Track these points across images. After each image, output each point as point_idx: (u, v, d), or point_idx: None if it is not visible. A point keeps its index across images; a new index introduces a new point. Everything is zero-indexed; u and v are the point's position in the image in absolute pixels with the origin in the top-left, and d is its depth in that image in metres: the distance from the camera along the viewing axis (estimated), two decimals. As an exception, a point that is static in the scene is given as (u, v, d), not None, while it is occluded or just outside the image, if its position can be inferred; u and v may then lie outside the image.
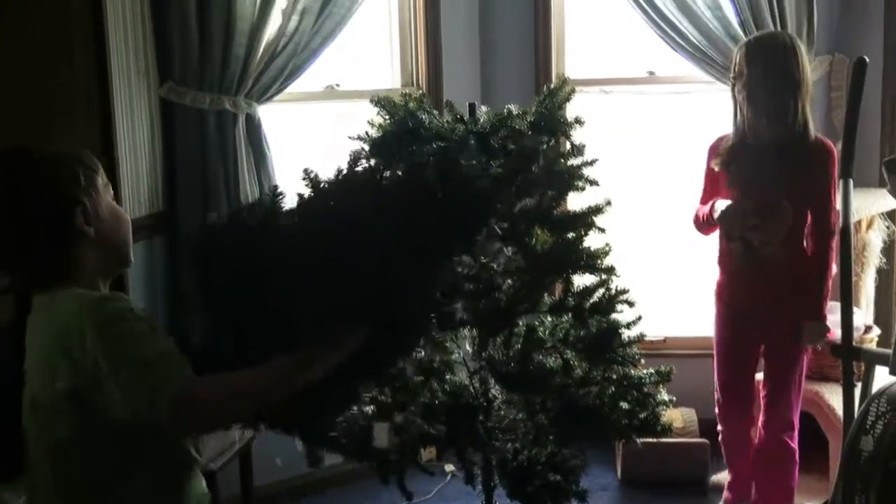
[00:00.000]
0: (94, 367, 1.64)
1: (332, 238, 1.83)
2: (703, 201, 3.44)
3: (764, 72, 3.19)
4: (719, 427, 3.61)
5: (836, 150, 3.28)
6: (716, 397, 3.59)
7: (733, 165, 3.31)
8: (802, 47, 3.27)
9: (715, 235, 3.44)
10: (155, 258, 3.53)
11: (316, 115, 4.18)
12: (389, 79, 4.25)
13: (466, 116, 3.25)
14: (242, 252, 1.94)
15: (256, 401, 1.76)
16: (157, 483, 1.83)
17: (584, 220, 3.20)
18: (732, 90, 3.30)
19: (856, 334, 3.49)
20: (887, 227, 4.00)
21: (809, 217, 3.32)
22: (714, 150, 3.39)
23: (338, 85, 4.07)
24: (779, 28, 3.91)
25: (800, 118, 3.21)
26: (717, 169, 3.36)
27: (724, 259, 3.43)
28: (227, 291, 1.94)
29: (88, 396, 1.68)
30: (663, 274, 4.51)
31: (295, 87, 3.79)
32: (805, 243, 3.34)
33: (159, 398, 1.60)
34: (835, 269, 3.40)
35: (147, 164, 3.47)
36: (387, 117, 3.30)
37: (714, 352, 3.55)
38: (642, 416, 3.18)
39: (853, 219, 3.17)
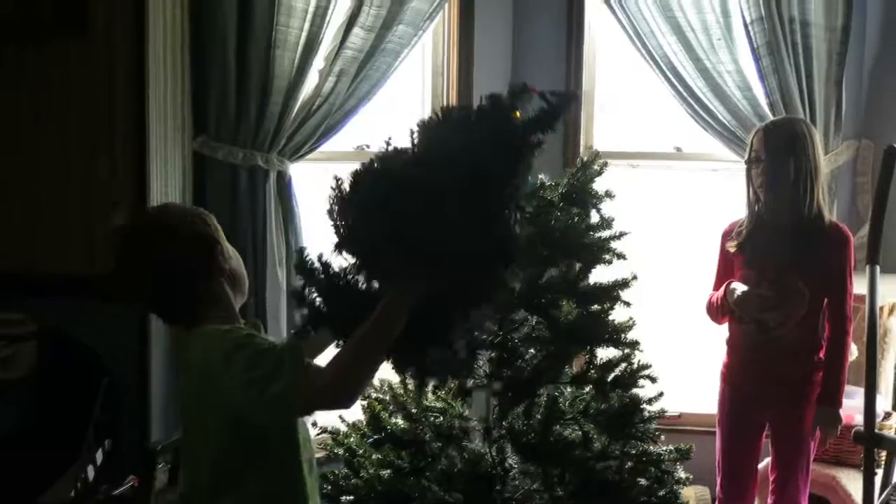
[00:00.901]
0: (236, 392, 1.85)
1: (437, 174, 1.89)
2: (717, 287, 3.44)
3: (780, 157, 3.21)
4: None
5: (856, 235, 3.30)
6: (718, 479, 3.54)
7: (748, 248, 3.32)
8: (817, 134, 3.30)
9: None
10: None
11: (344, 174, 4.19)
12: (419, 142, 4.28)
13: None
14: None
15: (367, 359, 1.90)
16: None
17: (610, 293, 3.22)
18: (748, 173, 3.31)
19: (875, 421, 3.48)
20: (912, 314, 4.00)
21: (825, 302, 3.31)
22: (728, 234, 3.41)
23: (368, 146, 4.11)
24: (807, 111, 3.95)
25: (815, 203, 3.22)
26: (732, 251, 3.36)
27: (735, 341, 3.42)
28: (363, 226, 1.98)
29: (239, 417, 1.92)
30: (681, 348, 4.51)
31: (326, 147, 3.83)
32: (819, 328, 3.33)
33: (292, 403, 1.84)
34: (851, 354, 3.40)
35: (177, 217, 3.50)
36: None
37: (717, 433, 3.52)
38: (661, 493, 3.16)
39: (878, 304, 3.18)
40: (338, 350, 1.94)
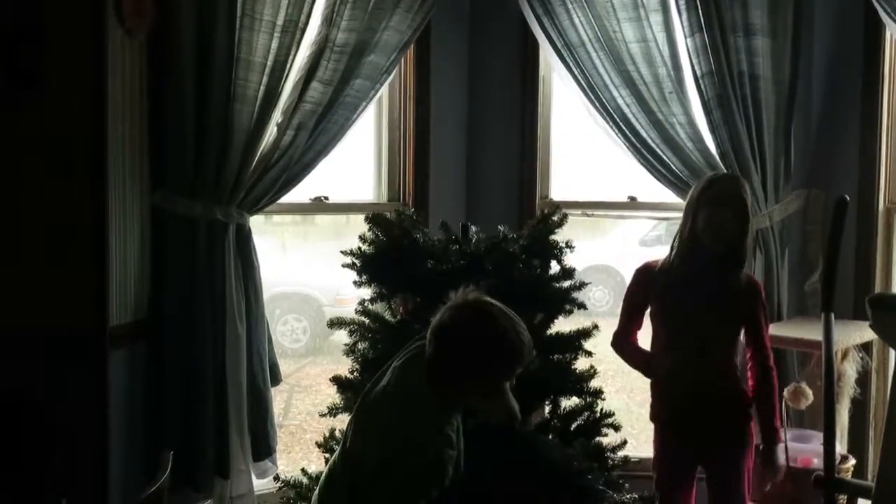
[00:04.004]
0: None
1: None
2: (626, 327, 3.44)
3: (742, 206, 3.27)
4: None
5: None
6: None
7: (669, 297, 3.35)
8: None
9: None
10: (137, 365, 3.50)
11: (305, 223, 4.22)
12: (376, 193, 4.32)
13: (459, 236, 3.30)
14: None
15: None
16: None
17: (573, 343, 3.26)
18: (689, 216, 3.33)
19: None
20: (861, 359, 4.07)
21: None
22: (645, 276, 3.43)
23: (326, 197, 4.12)
24: (757, 161, 4.04)
25: (740, 258, 3.31)
26: (645, 296, 3.40)
27: (661, 388, 3.45)
28: None
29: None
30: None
31: (284, 198, 3.83)
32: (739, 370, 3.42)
33: None
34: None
35: (135, 270, 3.47)
36: (379, 233, 3.34)
37: (654, 470, 3.51)
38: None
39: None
40: None
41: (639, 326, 3.45)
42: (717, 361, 3.33)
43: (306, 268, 8.67)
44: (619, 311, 3.52)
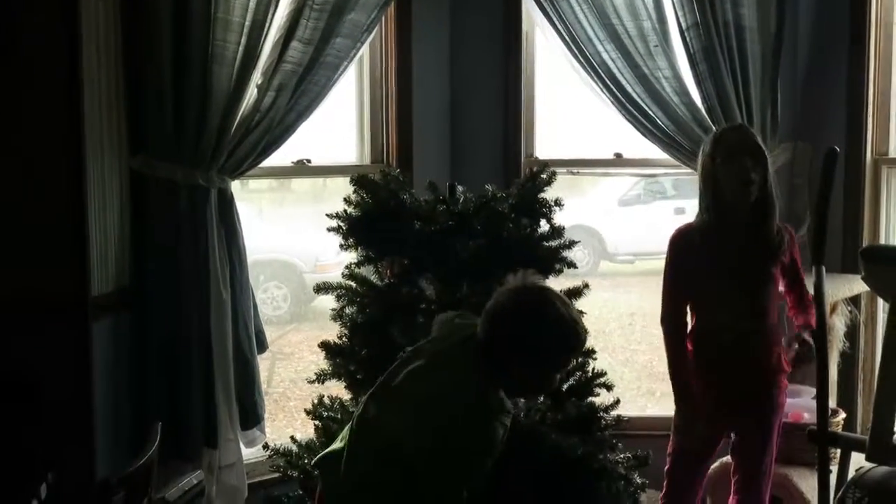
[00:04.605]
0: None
1: None
2: (677, 306, 3.37)
3: (739, 163, 3.23)
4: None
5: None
6: (665, 485, 3.51)
7: (711, 259, 3.30)
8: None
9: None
10: (120, 332, 3.42)
11: (282, 189, 4.16)
12: (358, 155, 4.25)
13: (447, 196, 3.25)
14: None
15: None
16: None
17: (564, 302, 3.21)
18: (706, 173, 3.31)
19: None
20: (850, 312, 4.06)
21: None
22: (679, 244, 3.36)
23: (309, 160, 4.04)
24: (744, 114, 4.00)
25: (770, 204, 3.27)
26: (686, 262, 3.33)
27: (702, 362, 3.38)
28: None
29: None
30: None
31: (266, 162, 3.75)
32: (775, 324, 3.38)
33: None
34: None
35: (116, 238, 3.39)
36: (365, 196, 3.29)
37: (672, 444, 3.46)
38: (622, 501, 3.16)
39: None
40: None
41: (688, 301, 3.36)
42: (764, 317, 3.30)
43: (285, 234, 8.61)
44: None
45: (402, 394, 2.48)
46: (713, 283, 3.30)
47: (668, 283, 3.37)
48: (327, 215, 3.33)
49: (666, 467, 3.47)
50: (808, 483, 3.66)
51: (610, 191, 9.41)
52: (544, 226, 3.26)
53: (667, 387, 3.48)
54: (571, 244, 3.26)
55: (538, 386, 2.60)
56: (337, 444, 2.58)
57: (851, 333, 4.12)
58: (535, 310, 2.43)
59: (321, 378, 3.40)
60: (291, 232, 8.56)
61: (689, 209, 8.45)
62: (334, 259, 7.17)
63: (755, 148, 3.25)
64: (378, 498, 2.43)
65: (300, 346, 7.75)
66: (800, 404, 3.85)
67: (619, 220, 9.36)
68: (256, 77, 3.57)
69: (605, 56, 4.07)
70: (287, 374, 7.34)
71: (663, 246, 3.38)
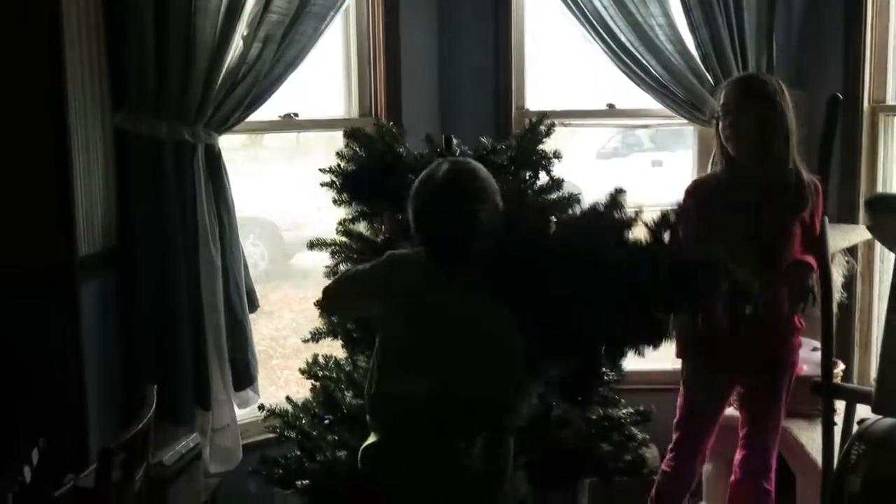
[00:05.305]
0: None
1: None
2: None
3: (757, 111, 3.16)
4: (666, 460, 3.48)
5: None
6: (675, 437, 3.47)
7: (725, 207, 3.23)
8: (786, 90, 3.25)
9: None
10: (108, 295, 3.32)
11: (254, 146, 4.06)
12: (346, 108, 4.14)
13: (444, 149, 3.17)
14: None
15: None
16: None
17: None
18: (717, 129, 3.25)
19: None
20: (847, 262, 4.02)
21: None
22: (696, 194, 3.29)
23: (296, 114, 3.94)
24: (739, 62, 3.93)
25: (784, 156, 3.19)
26: (700, 211, 3.19)
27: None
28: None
29: None
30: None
31: (252, 116, 3.64)
32: None
33: None
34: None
35: (101, 197, 3.27)
36: (359, 149, 3.20)
37: (682, 397, 3.42)
38: (627, 457, 3.12)
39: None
40: None
41: None
42: (778, 273, 3.20)
43: (260, 191, 8.51)
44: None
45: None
46: (726, 236, 3.23)
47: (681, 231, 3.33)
48: (320, 170, 3.24)
49: (675, 419, 3.43)
50: (807, 435, 3.64)
51: (588, 145, 9.32)
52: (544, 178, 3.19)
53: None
54: (571, 197, 3.18)
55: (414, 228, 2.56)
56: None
57: (848, 284, 4.08)
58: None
59: (315, 337, 3.32)
60: (266, 188, 8.47)
61: (666, 161, 8.46)
62: (310, 216, 7.09)
63: (758, 101, 3.17)
64: None
65: (278, 305, 7.67)
66: (800, 356, 3.81)
67: (597, 174, 9.29)
68: (242, 28, 3.44)
69: (596, 3, 3.97)
70: (268, 331, 7.25)
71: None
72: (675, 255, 2.53)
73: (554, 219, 2.64)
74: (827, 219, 3.15)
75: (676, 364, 3.47)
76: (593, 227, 2.55)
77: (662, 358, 3.45)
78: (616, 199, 2.57)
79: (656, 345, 2.53)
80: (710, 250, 2.54)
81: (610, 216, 2.55)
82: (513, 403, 2.52)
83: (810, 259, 3.18)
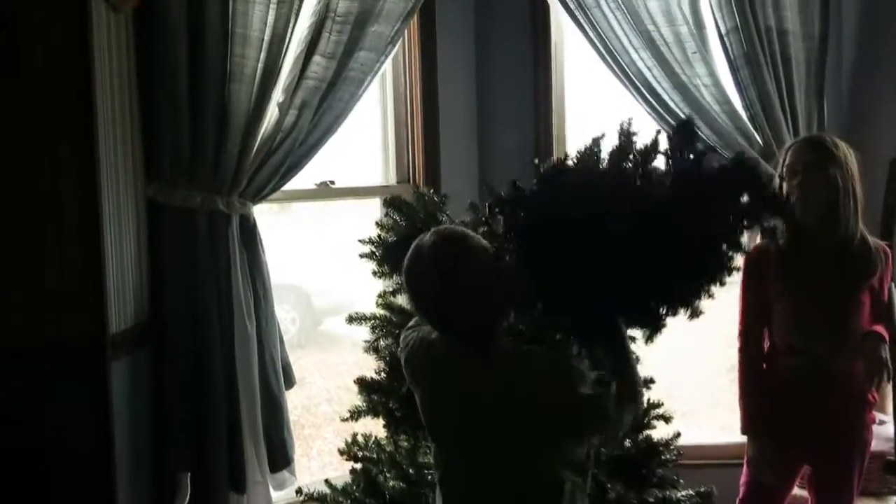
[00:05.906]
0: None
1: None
2: (754, 318, 3.21)
3: (829, 173, 3.03)
4: None
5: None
6: None
7: (788, 274, 3.10)
8: (853, 154, 3.12)
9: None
10: (140, 374, 3.19)
11: (282, 212, 3.95)
12: (384, 174, 4.04)
13: (488, 217, 3.03)
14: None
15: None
16: None
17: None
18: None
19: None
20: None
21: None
22: (760, 262, 3.16)
23: (332, 182, 3.83)
24: (790, 122, 3.81)
25: (852, 221, 3.05)
26: (761, 277, 3.14)
27: (779, 381, 3.17)
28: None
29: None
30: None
31: (287, 185, 3.53)
32: None
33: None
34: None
35: (133, 271, 3.16)
36: (399, 218, 3.08)
37: (746, 475, 3.26)
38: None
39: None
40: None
41: (766, 317, 3.18)
42: (845, 343, 3.05)
43: (288, 256, 8.47)
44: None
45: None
46: (787, 303, 3.09)
47: (744, 299, 3.22)
48: (360, 241, 3.11)
49: (738, 498, 3.24)
50: (875, 512, 3.45)
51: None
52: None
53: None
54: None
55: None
56: None
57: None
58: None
59: (355, 416, 3.18)
60: (295, 253, 8.42)
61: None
62: (339, 282, 6.98)
63: (830, 163, 3.04)
64: None
65: (310, 371, 7.55)
66: (880, 434, 3.61)
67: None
68: (277, 95, 3.36)
69: (640, 65, 3.86)
70: (299, 400, 7.12)
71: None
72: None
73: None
74: (894, 285, 3.00)
75: (735, 435, 3.30)
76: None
77: (721, 431, 3.30)
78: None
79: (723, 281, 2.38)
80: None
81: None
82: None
83: (881, 329, 3.01)
